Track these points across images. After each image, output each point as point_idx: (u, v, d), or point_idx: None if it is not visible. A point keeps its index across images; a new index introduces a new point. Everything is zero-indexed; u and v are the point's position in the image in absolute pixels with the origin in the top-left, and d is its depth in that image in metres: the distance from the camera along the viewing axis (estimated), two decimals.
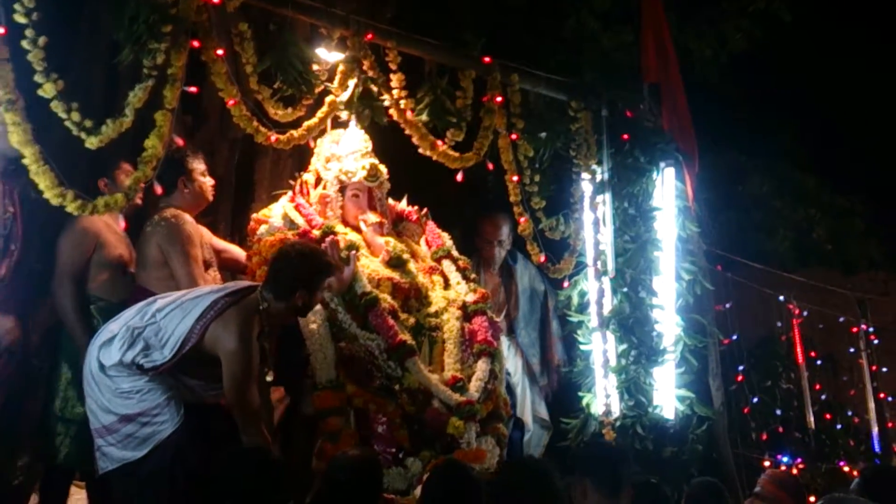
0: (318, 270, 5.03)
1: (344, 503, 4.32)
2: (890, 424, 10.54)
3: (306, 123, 5.86)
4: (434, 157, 6.38)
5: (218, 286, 5.07)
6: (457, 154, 6.46)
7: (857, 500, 3.82)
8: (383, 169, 6.11)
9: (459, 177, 6.54)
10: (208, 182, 5.70)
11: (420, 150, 6.33)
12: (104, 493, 5.40)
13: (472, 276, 6.41)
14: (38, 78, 4.66)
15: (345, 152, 6.07)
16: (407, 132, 6.27)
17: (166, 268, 5.26)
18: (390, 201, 6.30)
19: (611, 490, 4.33)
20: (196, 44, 5.26)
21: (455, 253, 6.40)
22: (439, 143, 6.37)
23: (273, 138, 5.64)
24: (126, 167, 5.34)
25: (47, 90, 4.67)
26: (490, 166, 6.76)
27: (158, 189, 5.07)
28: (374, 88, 6.08)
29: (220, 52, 5.34)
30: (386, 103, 6.15)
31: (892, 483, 5.08)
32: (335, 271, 5.38)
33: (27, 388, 5.13)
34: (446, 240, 6.41)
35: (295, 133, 5.77)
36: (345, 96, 6.02)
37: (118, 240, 5.39)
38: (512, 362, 7.41)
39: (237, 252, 5.95)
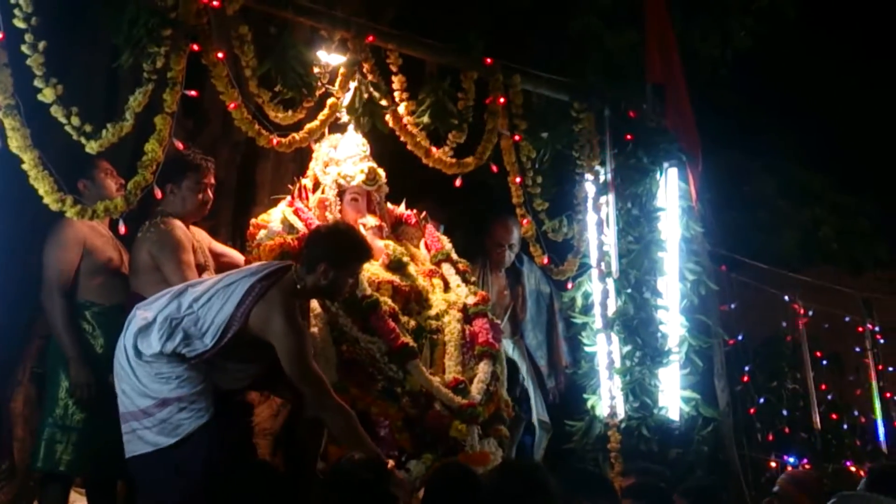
0: (345, 247, 5.03)
1: None
2: None
3: (307, 126, 5.85)
4: (430, 164, 6.37)
5: (252, 267, 5.07)
6: (453, 160, 6.44)
7: (868, 497, 3.78)
8: (381, 172, 6.09)
9: (458, 182, 6.52)
10: (198, 197, 5.58)
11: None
12: (106, 496, 5.41)
13: (472, 278, 6.39)
14: (37, 83, 4.65)
15: (343, 156, 6.07)
16: (402, 139, 6.25)
17: (158, 272, 5.23)
18: (389, 205, 6.28)
19: None
20: (196, 47, 5.25)
21: (454, 256, 6.38)
22: (434, 149, 6.36)
23: (274, 141, 5.63)
24: (105, 166, 5.32)
25: (47, 95, 4.67)
26: (494, 169, 6.75)
27: (158, 193, 5.05)
28: (375, 94, 6.06)
29: (220, 55, 5.33)
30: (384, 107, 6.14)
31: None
32: (369, 260, 5.37)
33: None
34: (445, 243, 6.40)
35: (296, 136, 5.76)
36: (347, 99, 6.00)
37: (105, 243, 5.37)
38: (520, 365, 7.41)
39: (236, 256, 5.93)
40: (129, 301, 5.12)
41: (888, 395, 10.48)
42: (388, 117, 6.16)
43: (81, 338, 5.19)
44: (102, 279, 5.30)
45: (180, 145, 5.27)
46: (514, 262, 7.57)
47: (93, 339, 5.25)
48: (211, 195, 5.69)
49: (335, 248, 4.98)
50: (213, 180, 5.70)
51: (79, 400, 5.11)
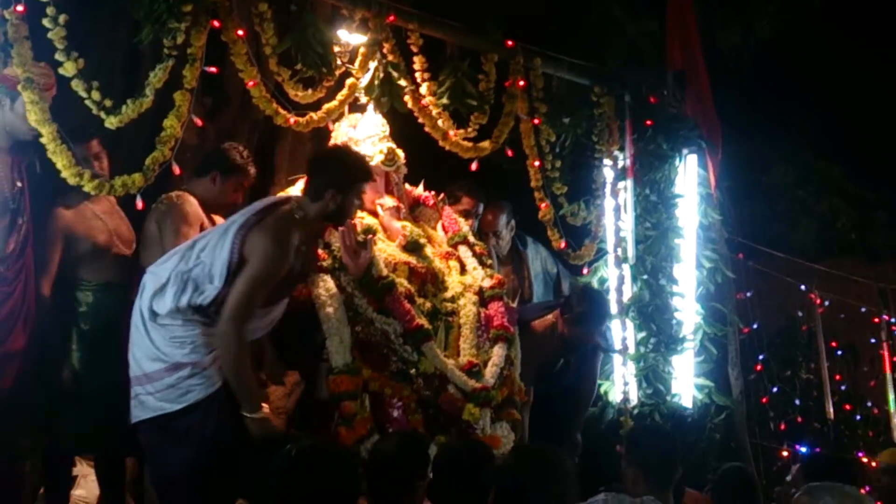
0: (350, 170, 4.98)
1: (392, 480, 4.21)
2: None
3: (326, 106, 5.83)
4: (447, 147, 6.35)
5: (251, 206, 4.96)
6: (469, 144, 6.43)
7: (834, 487, 3.76)
8: (400, 153, 6.07)
9: (474, 165, 6.52)
10: (234, 195, 5.53)
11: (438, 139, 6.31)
12: (115, 469, 5.40)
13: (489, 261, 6.37)
14: (58, 56, 4.66)
15: (362, 136, 6.03)
16: (420, 120, 6.24)
17: (160, 246, 5.13)
18: (407, 186, 6.26)
19: (661, 479, 4.29)
20: (216, 24, 5.24)
21: (472, 238, 6.36)
22: (452, 133, 6.34)
23: (292, 120, 5.62)
24: (94, 145, 5.16)
25: (68, 69, 4.68)
26: (509, 153, 6.73)
27: (176, 169, 5.04)
28: (395, 74, 6.04)
29: (240, 32, 5.32)
30: (403, 88, 6.12)
31: (830, 469, 5.07)
32: (371, 179, 5.31)
33: (40, 362, 5.01)
34: (463, 225, 6.37)
35: (314, 115, 5.75)
36: (365, 80, 5.99)
37: (91, 227, 5.22)
38: None
39: None
40: (139, 277, 5.04)
41: None
42: (407, 98, 6.14)
43: (73, 316, 5.14)
44: (89, 261, 5.18)
45: (199, 122, 5.26)
46: (518, 245, 7.48)
47: (83, 317, 5.17)
48: (242, 199, 5.64)
49: (340, 172, 4.93)
50: (251, 184, 5.69)
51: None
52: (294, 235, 4.78)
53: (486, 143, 6.52)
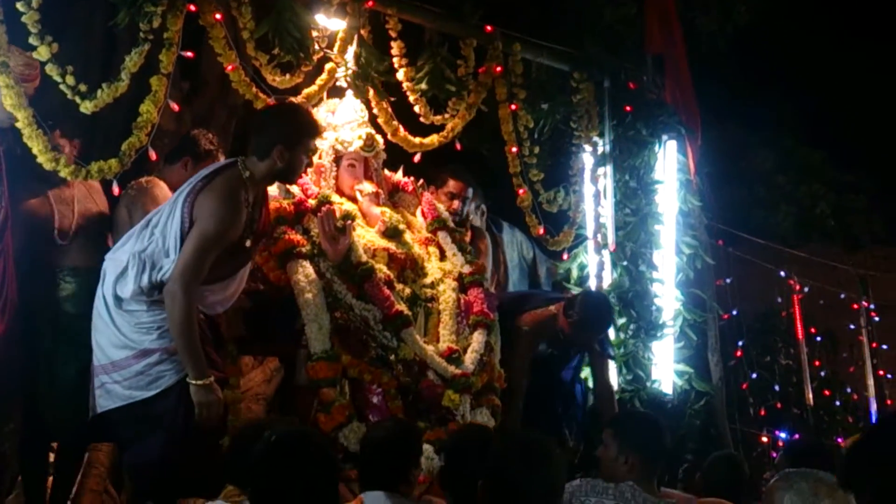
0: (298, 125, 4.88)
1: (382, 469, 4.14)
2: (889, 402, 10.55)
3: (305, 91, 5.81)
4: (394, 141, 6.29)
5: (197, 174, 4.85)
6: (417, 141, 6.38)
7: (809, 473, 3.76)
8: (379, 139, 6.04)
9: (458, 146, 6.50)
10: None
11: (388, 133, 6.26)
12: (76, 458, 5.28)
13: (468, 248, 6.35)
14: (32, 40, 4.61)
15: (341, 122, 6.00)
16: (374, 110, 6.19)
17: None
18: (386, 172, 6.24)
19: (646, 466, 4.28)
20: (193, 8, 5.21)
21: (451, 224, 6.35)
22: (401, 128, 6.29)
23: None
24: (56, 135, 5.11)
25: (42, 53, 4.64)
26: (458, 147, 6.68)
27: (153, 155, 5.00)
28: (369, 59, 6.00)
29: (217, 16, 5.29)
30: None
31: (809, 454, 5.07)
32: (320, 134, 5.25)
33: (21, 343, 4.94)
34: (442, 211, 6.36)
35: (293, 100, 5.72)
36: (342, 71, 5.96)
37: (51, 213, 5.05)
38: None
39: None
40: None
41: (881, 372, 10.52)
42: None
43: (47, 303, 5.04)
44: (48, 248, 5.03)
45: (176, 107, 5.22)
46: (493, 229, 7.45)
47: (44, 301, 5.05)
48: None
49: (288, 128, 4.83)
50: None
51: None
52: (242, 194, 4.69)
53: (434, 138, 6.47)
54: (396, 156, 6.29)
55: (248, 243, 4.84)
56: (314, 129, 5.04)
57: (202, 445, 4.62)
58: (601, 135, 7.39)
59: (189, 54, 5.18)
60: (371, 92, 6.08)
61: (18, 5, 4.56)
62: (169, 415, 4.58)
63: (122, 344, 4.61)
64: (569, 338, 6.44)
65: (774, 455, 9.01)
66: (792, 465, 4.51)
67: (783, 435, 9.34)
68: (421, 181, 6.38)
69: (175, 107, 5.21)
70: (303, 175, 5.37)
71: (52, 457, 5.43)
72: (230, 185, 4.65)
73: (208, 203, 4.57)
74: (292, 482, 3.35)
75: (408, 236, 6.00)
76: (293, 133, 4.83)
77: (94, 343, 4.70)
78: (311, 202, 5.70)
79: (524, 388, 6.30)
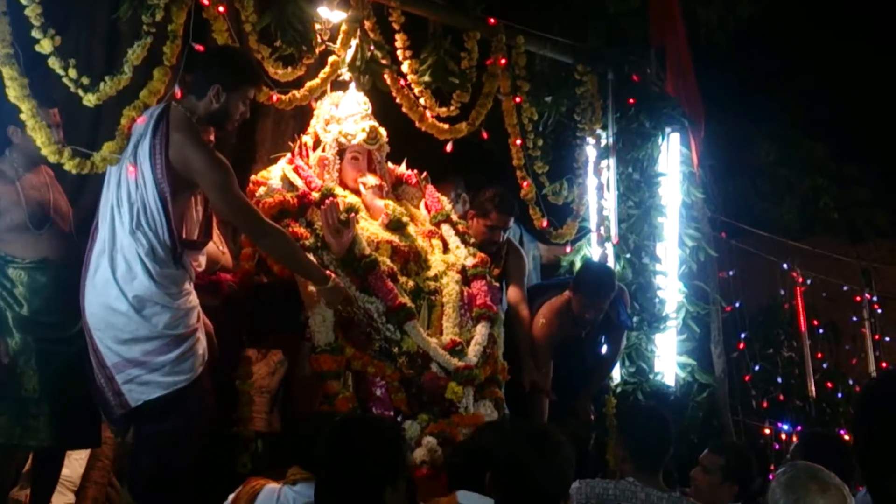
0: (237, 68, 4.88)
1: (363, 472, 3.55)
2: None
3: (308, 84, 5.80)
4: (423, 129, 6.32)
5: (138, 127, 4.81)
6: (446, 126, 6.39)
7: (812, 467, 3.70)
8: (383, 132, 6.04)
9: (449, 147, 6.47)
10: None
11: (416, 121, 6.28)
12: (53, 461, 5.07)
13: (472, 240, 6.35)
14: (35, 33, 4.60)
15: (344, 114, 6.00)
16: (398, 101, 6.21)
17: None
18: (389, 165, 6.24)
19: (650, 461, 4.28)
20: (206, 2, 5.19)
21: (454, 217, 6.35)
22: (428, 114, 6.31)
23: (274, 98, 5.59)
24: (55, 113, 4.92)
25: (44, 46, 4.62)
26: (485, 135, 6.68)
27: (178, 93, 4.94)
28: (377, 53, 6.00)
29: (221, 9, 5.27)
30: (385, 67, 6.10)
31: (828, 447, 5.03)
32: (258, 85, 5.20)
33: None
34: (445, 204, 6.35)
35: (296, 93, 5.72)
36: (348, 58, 5.95)
37: (16, 202, 4.84)
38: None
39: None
40: (77, 254, 4.83)
41: (884, 364, 10.50)
42: (386, 77, 6.11)
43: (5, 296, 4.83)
44: (15, 237, 4.84)
45: (179, 94, 5.22)
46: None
47: (11, 296, 4.82)
48: None
49: (227, 68, 4.84)
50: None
51: None
52: (201, 135, 4.76)
53: (462, 125, 6.48)
54: (399, 149, 6.28)
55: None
56: (255, 77, 5.04)
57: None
58: (604, 127, 7.40)
59: (200, 48, 5.15)
60: (389, 81, 6.09)
61: None
62: (195, 395, 4.64)
63: (146, 338, 4.57)
64: (580, 315, 6.47)
65: (777, 447, 9.03)
66: (806, 457, 4.49)
67: (786, 427, 9.34)
68: (424, 174, 6.38)
69: (178, 95, 5.20)
70: (237, 122, 5.15)
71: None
72: (192, 128, 4.70)
73: (194, 159, 4.61)
74: (362, 463, 3.35)
75: (411, 229, 6.00)
76: (231, 75, 4.83)
77: (115, 342, 4.59)
78: (315, 195, 5.70)
79: (550, 377, 6.37)
